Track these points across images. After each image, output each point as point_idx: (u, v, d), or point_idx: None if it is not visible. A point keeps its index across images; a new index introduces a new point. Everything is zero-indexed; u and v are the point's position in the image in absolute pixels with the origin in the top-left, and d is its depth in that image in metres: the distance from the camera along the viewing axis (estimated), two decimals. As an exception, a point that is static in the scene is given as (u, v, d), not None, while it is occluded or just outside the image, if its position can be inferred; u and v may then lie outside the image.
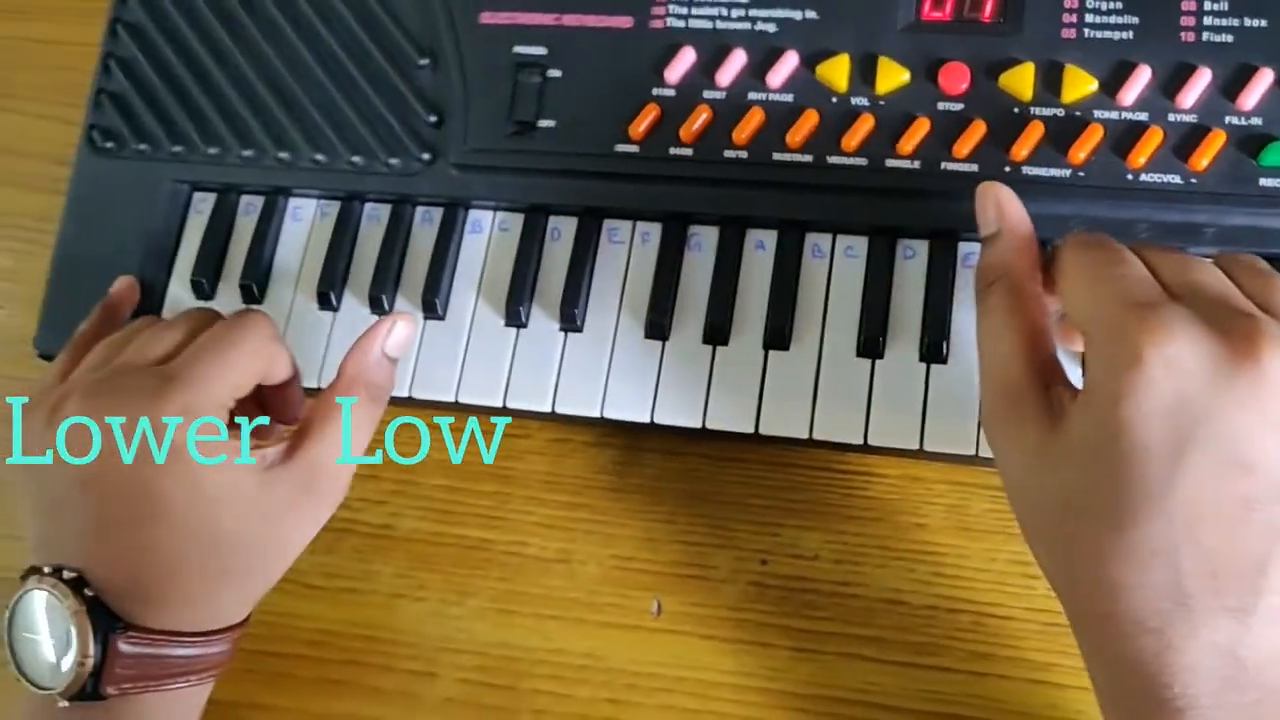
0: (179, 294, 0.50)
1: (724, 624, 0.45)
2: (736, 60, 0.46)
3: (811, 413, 0.43)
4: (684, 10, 0.48)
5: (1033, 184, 0.43)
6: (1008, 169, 0.43)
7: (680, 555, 0.46)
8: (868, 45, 0.46)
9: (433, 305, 0.47)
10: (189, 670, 0.38)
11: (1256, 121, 0.42)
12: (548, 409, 0.46)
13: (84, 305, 0.47)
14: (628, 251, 0.47)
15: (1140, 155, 0.42)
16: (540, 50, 0.48)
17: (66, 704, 0.36)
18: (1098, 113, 0.43)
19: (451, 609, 0.47)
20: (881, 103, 0.45)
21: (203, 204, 0.51)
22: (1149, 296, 0.32)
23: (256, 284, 0.49)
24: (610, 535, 0.47)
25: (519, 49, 0.48)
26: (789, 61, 0.46)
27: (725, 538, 0.46)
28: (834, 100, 0.45)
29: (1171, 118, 0.43)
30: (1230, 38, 0.43)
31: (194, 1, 0.52)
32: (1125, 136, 0.43)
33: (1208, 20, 0.43)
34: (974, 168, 0.44)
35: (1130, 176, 0.42)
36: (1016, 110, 0.44)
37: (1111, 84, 0.43)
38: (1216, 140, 0.42)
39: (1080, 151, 0.43)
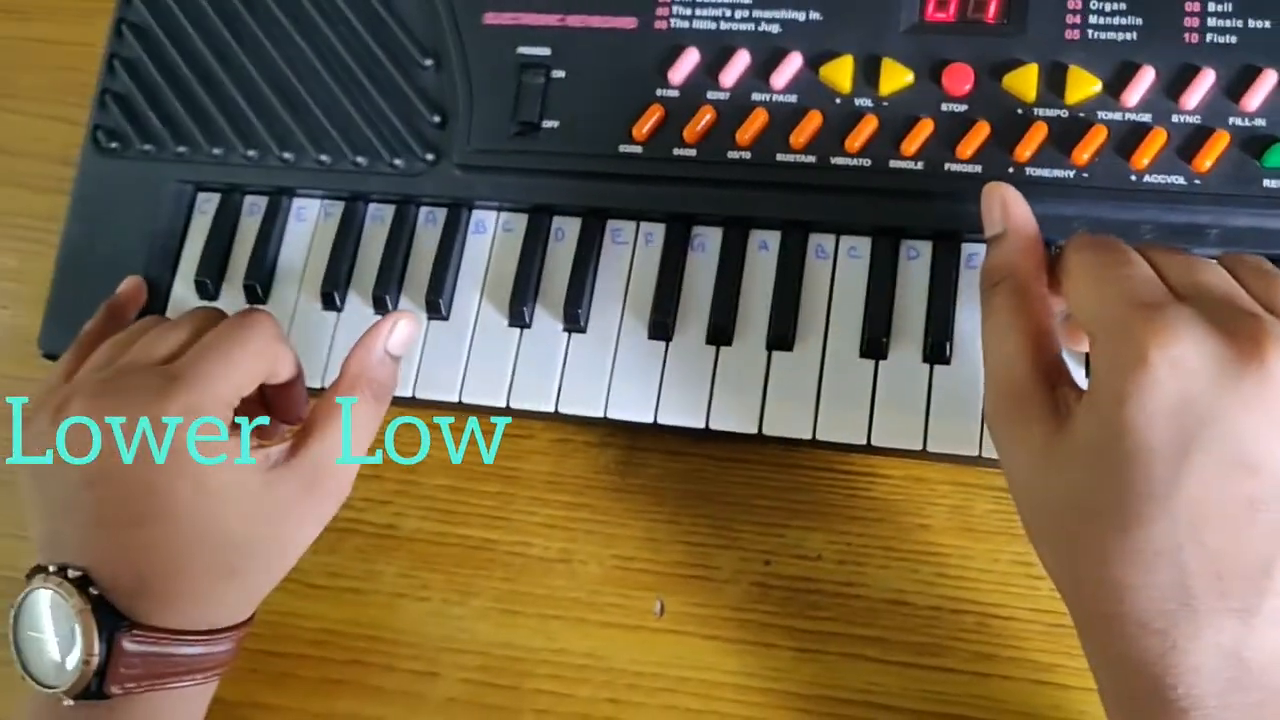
0: (183, 294, 0.50)
1: (727, 624, 0.45)
2: (740, 61, 0.46)
3: (815, 413, 0.43)
4: (688, 11, 0.48)
5: (1036, 185, 0.43)
6: (1011, 170, 0.43)
7: (683, 555, 0.46)
8: (871, 46, 0.46)
9: (436, 305, 0.47)
10: (193, 669, 0.38)
11: (1260, 123, 0.42)
12: (551, 409, 0.46)
13: (88, 305, 0.47)
14: (631, 252, 0.47)
15: (1144, 156, 0.42)
16: (544, 51, 0.48)
17: (71, 703, 0.36)
18: (1101, 114, 0.43)
19: (454, 609, 0.47)
20: (885, 104, 0.45)
21: (207, 204, 0.51)
22: (1154, 297, 0.32)
23: (260, 284, 0.49)
24: (613, 535, 0.47)
25: (523, 49, 0.48)
26: (793, 62, 0.46)
27: (728, 538, 0.46)
28: (837, 101, 0.45)
29: (1175, 119, 0.43)
30: (1234, 39, 0.43)
31: (198, 2, 0.52)
32: (1129, 137, 0.43)
33: (1211, 22, 0.43)
34: (977, 169, 0.44)
35: (1134, 178, 0.42)
36: (1020, 111, 0.44)
37: (1115, 85, 0.43)
38: (1220, 141, 0.42)
39: (1084, 152, 0.43)
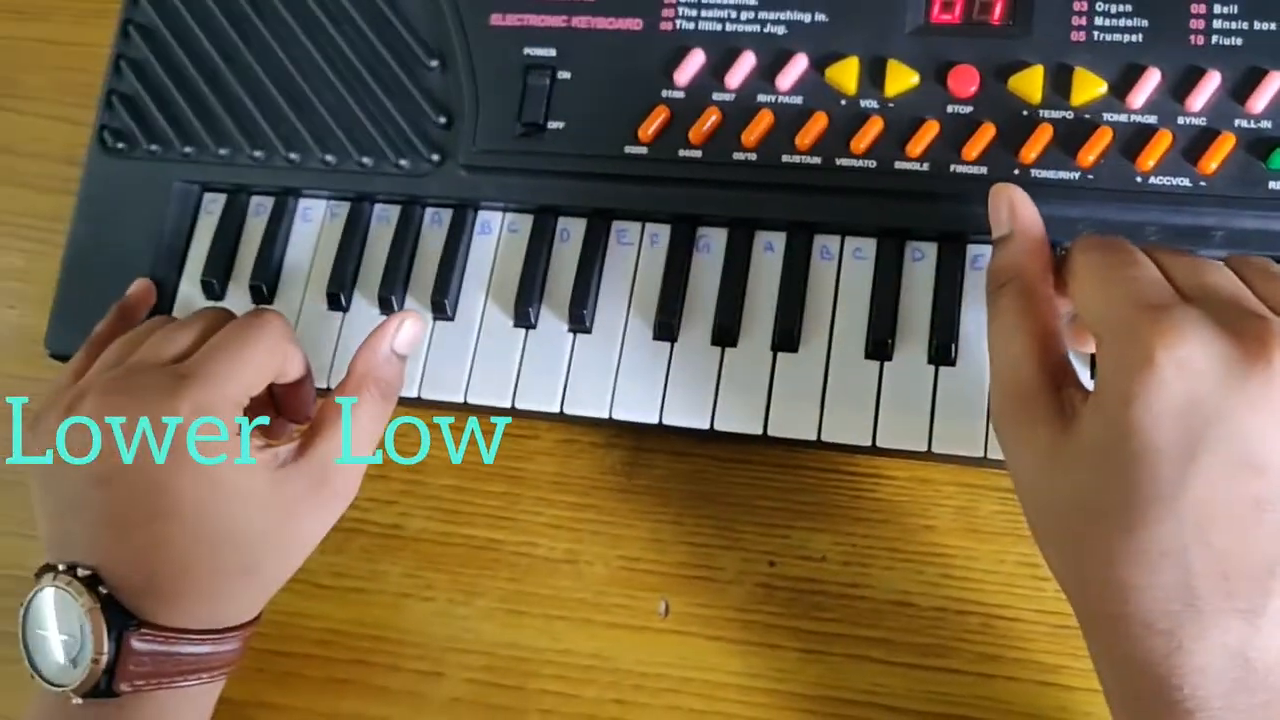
0: (189, 294, 0.50)
1: (731, 625, 0.45)
2: (746, 62, 0.46)
3: (820, 414, 0.43)
4: (693, 12, 0.48)
5: (1042, 186, 0.43)
6: (1017, 171, 0.43)
7: (688, 556, 0.46)
8: (877, 48, 0.46)
9: (442, 306, 0.47)
10: (201, 668, 0.38)
11: (1266, 125, 0.42)
12: (556, 410, 0.46)
13: (95, 305, 0.47)
14: (636, 253, 0.47)
15: (1149, 158, 0.42)
16: (549, 52, 0.48)
17: (80, 701, 0.36)
18: (1107, 115, 0.43)
19: (459, 609, 0.47)
20: (890, 105, 0.45)
21: (213, 204, 0.51)
22: (1161, 298, 0.32)
23: (266, 284, 0.49)
24: (618, 536, 0.47)
25: (528, 51, 0.48)
26: (798, 64, 0.46)
27: (733, 539, 0.46)
28: (843, 103, 0.46)
29: (1181, 121, 0.43)
30: (1240, 41, 0.43)
31: (205, 3, 0.52)
32: (1134, 139, 0.43)
33: (1217, 23, 0.43)
34: (983, 170, 0.44)
35: (1139, 179, 0.42)
36: (1025, 113, 0.44)
37: (1121, 87, 0.43)
38: (1226, 143, 0.42)
39: (1089, 154, 0.43)
